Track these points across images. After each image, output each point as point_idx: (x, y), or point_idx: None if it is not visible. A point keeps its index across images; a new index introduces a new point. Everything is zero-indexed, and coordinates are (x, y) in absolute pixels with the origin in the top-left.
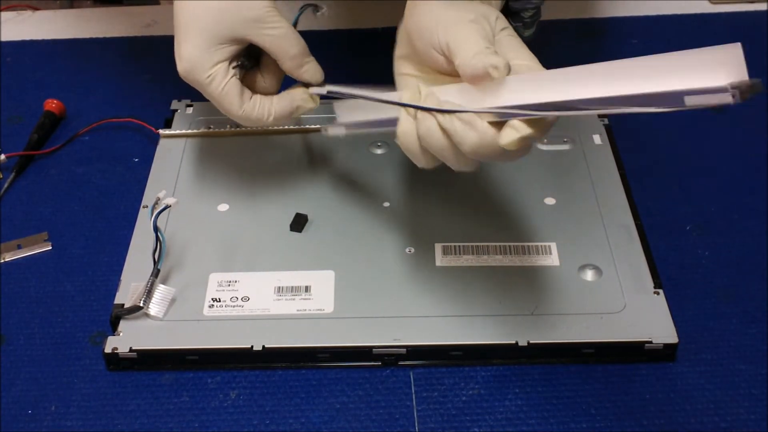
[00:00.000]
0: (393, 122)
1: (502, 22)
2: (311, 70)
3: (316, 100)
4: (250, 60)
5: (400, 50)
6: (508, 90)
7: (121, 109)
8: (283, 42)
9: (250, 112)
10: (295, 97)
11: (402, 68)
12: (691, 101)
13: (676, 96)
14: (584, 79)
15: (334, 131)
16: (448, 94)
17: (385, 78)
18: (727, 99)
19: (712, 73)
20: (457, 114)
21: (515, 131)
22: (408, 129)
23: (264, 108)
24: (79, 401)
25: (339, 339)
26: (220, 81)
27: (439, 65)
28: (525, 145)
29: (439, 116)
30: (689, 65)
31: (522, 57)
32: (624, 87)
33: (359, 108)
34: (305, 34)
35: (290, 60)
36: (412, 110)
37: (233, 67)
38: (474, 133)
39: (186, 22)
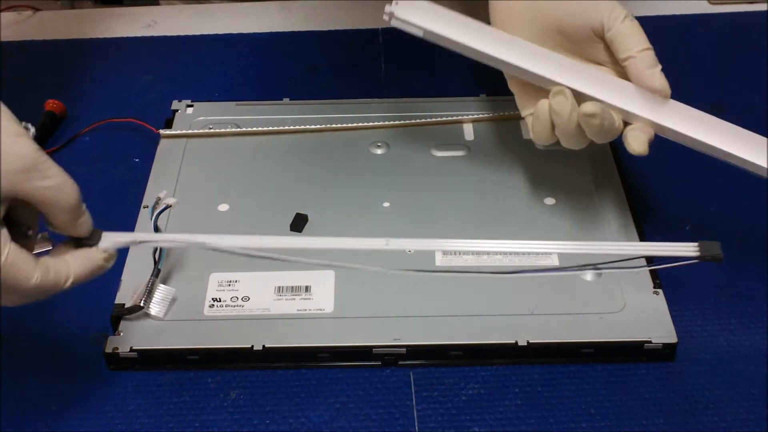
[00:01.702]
0: (485, 56)
1: None
2: (87, 221)
3: (113, 258)
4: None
5: (523, 32)
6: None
7: (121, 110)
8: (59, 193)
9: (44, 279)
10: (95, 257)
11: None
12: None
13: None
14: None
15: (408, 28)
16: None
17: (386, 78)
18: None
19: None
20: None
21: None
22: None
23: (60, 272)
24: (79, 401)
25: (339, 339)
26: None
27: (588, 46)
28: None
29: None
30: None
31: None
32: None
33: (448, 19)
34: (305, 35)
35: (66, 213)
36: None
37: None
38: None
39: None
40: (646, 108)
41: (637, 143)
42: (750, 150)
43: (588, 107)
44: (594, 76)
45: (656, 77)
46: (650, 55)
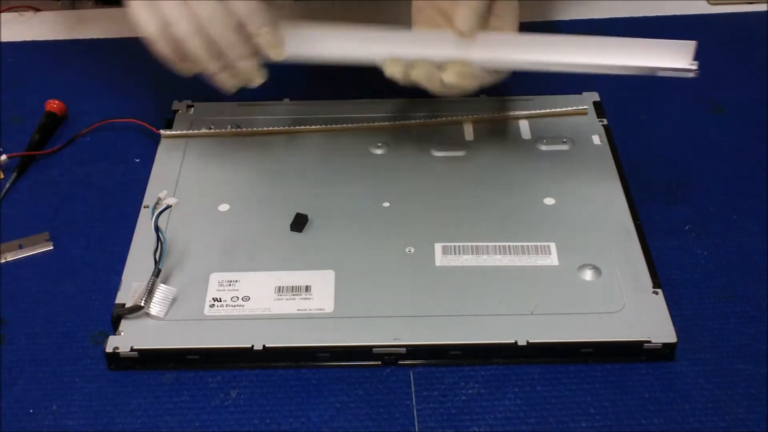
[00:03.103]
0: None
1: None
2: None
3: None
4: None
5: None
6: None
7: (122, 110)
8: None
9: None
10: None
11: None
12: (663, 73)
13: (654, 69)
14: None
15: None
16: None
17: (386, 77)
18: (690, 74)
19: (685, 57)
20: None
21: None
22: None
23: None
24: (80, 401)
25: (339, 339)
26: None
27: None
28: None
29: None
30: (664, 50)
31: (508, 24)
32: (617, 59)
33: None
34: None
35: None
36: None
37: None
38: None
39: None
40: (456, 48)
41: (447, 75)
42: (553, 52)
43: (446, 77)
44: (413, 37)
45: (456, 17)
46: None
